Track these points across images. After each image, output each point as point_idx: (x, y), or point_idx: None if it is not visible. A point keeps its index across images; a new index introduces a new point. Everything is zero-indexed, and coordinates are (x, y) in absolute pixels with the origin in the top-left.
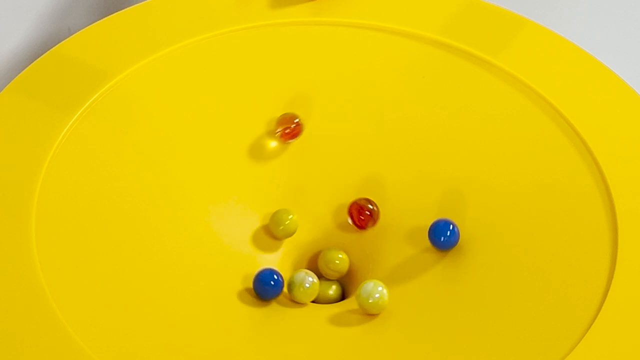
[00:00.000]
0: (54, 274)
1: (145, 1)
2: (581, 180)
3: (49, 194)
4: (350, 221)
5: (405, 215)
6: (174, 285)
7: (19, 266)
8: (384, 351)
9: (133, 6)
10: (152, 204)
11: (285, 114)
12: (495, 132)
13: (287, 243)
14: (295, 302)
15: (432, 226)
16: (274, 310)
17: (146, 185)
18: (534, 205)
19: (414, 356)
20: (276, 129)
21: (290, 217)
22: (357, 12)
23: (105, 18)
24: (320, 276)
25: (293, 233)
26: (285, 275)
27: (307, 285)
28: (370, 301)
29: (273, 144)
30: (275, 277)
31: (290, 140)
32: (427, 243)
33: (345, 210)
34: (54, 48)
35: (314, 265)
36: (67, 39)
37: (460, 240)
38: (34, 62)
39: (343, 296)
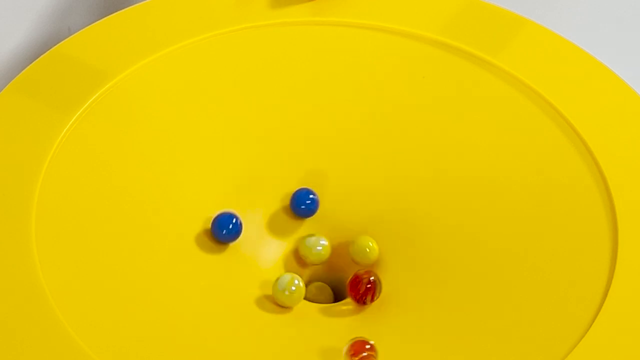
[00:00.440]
0: (54, 274)
1: (145, 1)
2: (581, 180)
3: (49, 194)
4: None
5: (405, 214)
6: (174, 285)
7: (19, 266)
8: (383, 351)
9: (133, 6)
10: (152, 204)
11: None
12: (495, 132)
13: (287, 244)
14: (280, 306)
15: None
16: (272, 310)
17: (146, 185)
18: (534, 205)
19: (414, 356)
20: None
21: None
22: (357, 12)
23: (105, 18)
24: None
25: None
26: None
27: (293, 288)
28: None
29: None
30: (234, 220)
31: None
32: (430, 242)
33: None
34: (54, 48)
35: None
36: (67, 39)
37: (460, 241)
38: (34, 62)
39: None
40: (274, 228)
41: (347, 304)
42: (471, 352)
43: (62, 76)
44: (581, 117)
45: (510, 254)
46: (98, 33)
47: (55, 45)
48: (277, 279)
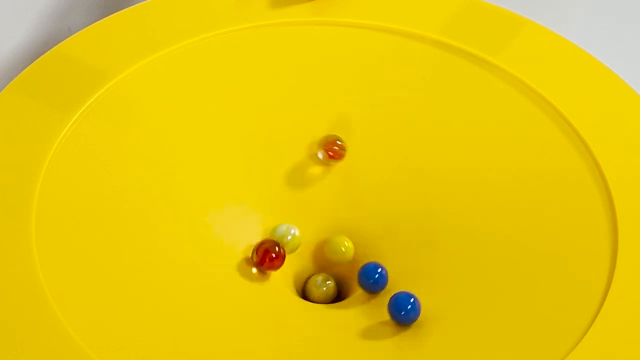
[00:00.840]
0: (54, 274)
1: (145, 1)
2: (581, 180)
3: (49, 194)
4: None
5: (404, 214)
6: (174, 285)
7: (19, 266)
8: (384, 346)
9: (133, 6)
10: (151, 204)
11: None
12: (495, 132)
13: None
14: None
15: (391, 299)
16: (272, 311)
17: (146, 185)
18: (534, 204)
19: (412, 352)
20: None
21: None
22: (357, 12)
23: (105, 18)
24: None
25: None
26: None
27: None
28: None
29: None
30: (379, 270)
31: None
32: (429, 241)
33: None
34: (54, 48)
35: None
36: (67, 39)
37: (460, 240)
38: (34, 62)
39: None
40: (271, 227)
41: (348, 303)
42: (471, 351)
43: (62, 76)
44: (581, 117)
45: (510, 253)
46: (98, 33)
47: (55, 45)
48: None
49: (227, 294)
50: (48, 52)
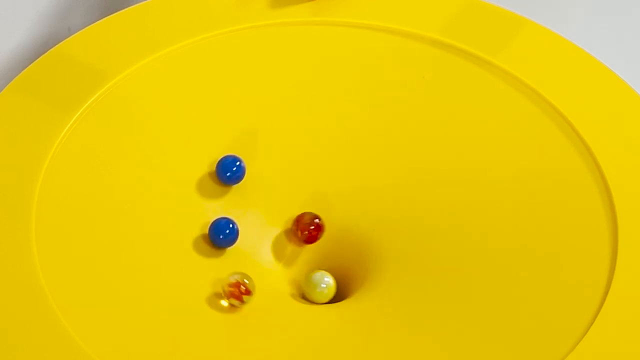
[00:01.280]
0: (54, 274)
1: (145, 1)
2: (581, 180)
3: (49, 194)
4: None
5: (404, 214)
6: (174, 285)
7: (19, 266)
8: (385, 350)
9: (133, 6)
10: (152, 204)
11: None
12: (495, 132)
13: (288, 242)
14: (310, 301)
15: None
16: (272, 311)
17: (146, 185)
18: (534, 204)
19: (414, 354)
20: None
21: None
22: (357, 12)
23: (105, 18)
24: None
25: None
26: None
27: (324, 286)
28: (317, 290)
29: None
30: (231, 225)
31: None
32: (429, 241)
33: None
34: (54, 48)
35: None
36: (67, 39)
37: (460, 240)
38: (34, 62)
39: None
40: (273, 227)
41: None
42: (472, 351)
43: (62, 76)
44: (581, 117)
45: (510, 253)
46: (98, 33)
47: (55, 45)
48: (310, 276)
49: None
50: (48, 52)
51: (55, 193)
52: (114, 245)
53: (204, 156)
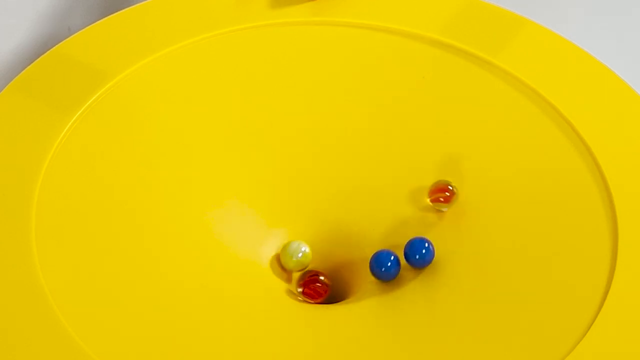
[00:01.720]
0: (54, 274)
1: (145, 1)
2: (581, 180)
3: (49, 194)
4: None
5: (404, 214)
6: (174, 285)
7: (19, 266)
8: (382, 352)
9: (133, 6)
10: (151, 204)
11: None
12: (495, 132)
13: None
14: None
15: (407, 245)
16: (272, 311)
17: (146, 185)
18: (534, 204)
19: (416, 356)
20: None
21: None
22: (357, 12)
23: (105, 18)
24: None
25: (306, 266)
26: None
27: (300, 255)
28: (294, 259)
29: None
30: (392, 257)
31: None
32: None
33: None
34: (54, 48)
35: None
36: (67, 39)
37: (459, 240)
38: (34, 62)
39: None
40: (273, 227)
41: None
42: (472, 351)
43: (62, 76)
44: (581, 117)
45: (510, 253)
46: (98, 33)
47: (55, 45)
48: (286, 245)
49: (227, 294)
50: (48, 52)
51: (55, 193)
52: (114, 245)
53: (204, 156)
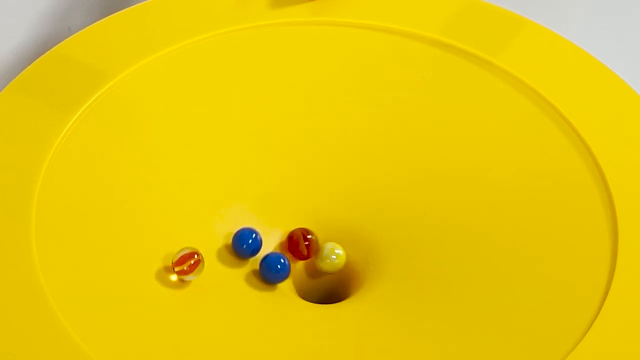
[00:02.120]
0: (54, 274)
1: (145, 1)
2: (581, 180)
3: (49, 194)
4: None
5: (405, 214)
6: (174, 285)
7: (19, 266)
8: (384, 350)
9: (133, 6)
10: (151, 204)
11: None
12: (495, 132)
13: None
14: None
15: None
16: (271, 310)
17: (146, 185)
18: (534, 204)
19: (414, 355)
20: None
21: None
22: (357, 12)
23: (105, 18)
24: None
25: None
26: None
27: (334, 257)
28: (328, 262)
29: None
30: (282, 260)
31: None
32: (430, 241)
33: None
34: (54, 48)
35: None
36: (67, 39)
37: (460, 240)
38: (34, 62)
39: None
40: (273, 226)
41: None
42: (472, 351)
43: (62, 76)
44: (581, 117)
45: (510, 253)
46: (98, 33)
47: (55, 45)
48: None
49: (227, 294)
50: (48, 52)
51: (55, 193)
52: (114, 245)
53: (204, 155)
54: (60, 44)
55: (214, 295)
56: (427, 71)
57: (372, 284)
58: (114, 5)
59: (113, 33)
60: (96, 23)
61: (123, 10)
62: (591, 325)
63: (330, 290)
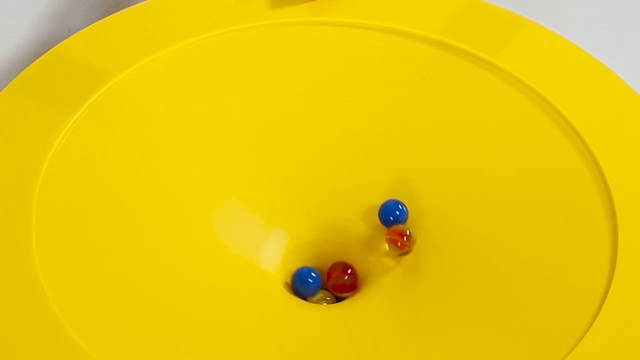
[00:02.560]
0: (54, 274)
1: (145, 1)
2: (581, 180)
3: (49, 194)
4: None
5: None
6: (174, 285)
7: (19, 266)
8: (384, 350)
9: (133, 6)
10: (151, 204)
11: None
12: (495, 132)
13: (288, 241)
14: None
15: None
16: (271, 311)
17: (146, 185)
18: (534, 204)
19: (416, 356)
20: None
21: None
22: (357, 12)
23: (105, 18)
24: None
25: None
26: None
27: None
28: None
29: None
30: (313, 274)
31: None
32: (430, 241)
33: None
34: (54, 48)
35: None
36: (67, 39)
37: (460, 240)
38: (34, 62)
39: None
40: (273, 226)
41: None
42: (472, 351)
43: (62, 76)
44: (581, 117)
45: (510, 253)
46: (98, 33)
47: (55, 45)
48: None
49: (227, 294)
50: (48, 52)
51: (55, 193)
52: (114, 246)
53: (204, 156)
54: (60, 44)
55: (213, 294)
56: (427, 71)
57: (372, 284)
58: (114, 5)
59: (113, 33)
60: (96, 23)
61: (123, 10)
62: (591, 325)
63: None
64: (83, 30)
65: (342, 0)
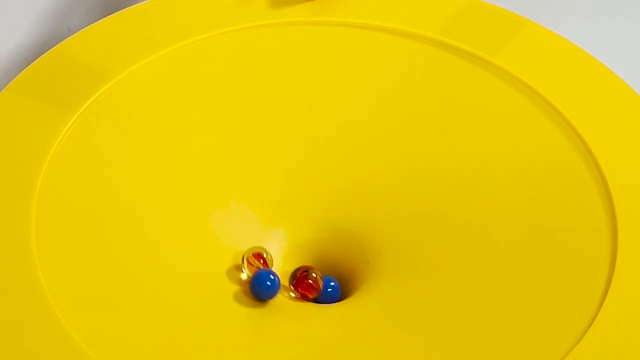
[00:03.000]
0: (54, 274)
1: (145, 1)
2: (581, 180)
3: (49, 194)
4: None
5: (405, 214)
6: (174, 285)
7: (19, 266)
8: (384, 350)
9: (133, 6)
10: (151, 204)
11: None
12: (495, 132)
13: (288, 242)
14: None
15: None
16: (271, 311)
17: (146, 185)
18: (534, 204)
19: (416, 356)
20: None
21: None
22: (357, 12)
23: (105, 18)
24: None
25: None
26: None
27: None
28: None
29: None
30: (272, 277)
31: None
32: (430, 241)
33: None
34: (54, 48)
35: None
36: (67, 39)
37: (460, 240)
38: (34, 62)
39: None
40: (272, 227)
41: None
42: (472, 351)
43: (62, 76)
44: (581, 117)
45: (510, 253)
46: (98, 33)
47: (55, 45)
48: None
49: (227, 294)
50: (48, 52)
51: (55, 193)
52: (114, 245)
53: (204, 156)
54: (60, 44)
55: (213, 294)
56: (427, 71)
57: (372, 284)
58: (114, 5)
59: (113, 33)
60: (96, 23)
61: (123, 10)
62: (591, 325)
63: None
64: (83, 30)
65: (342, 0)
